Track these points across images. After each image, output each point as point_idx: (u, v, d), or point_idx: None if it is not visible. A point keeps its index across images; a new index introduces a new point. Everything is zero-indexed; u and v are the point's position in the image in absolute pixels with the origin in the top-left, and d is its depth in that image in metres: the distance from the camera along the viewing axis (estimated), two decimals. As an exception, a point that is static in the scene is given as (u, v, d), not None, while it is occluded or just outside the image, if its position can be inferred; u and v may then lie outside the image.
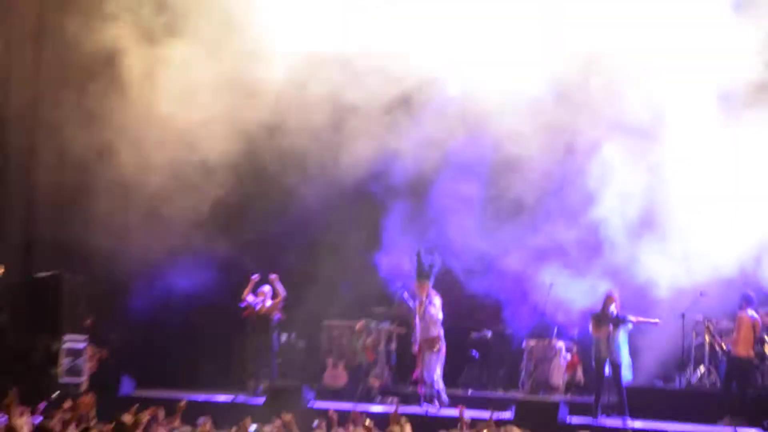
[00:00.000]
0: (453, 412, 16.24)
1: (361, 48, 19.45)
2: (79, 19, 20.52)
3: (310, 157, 20.49)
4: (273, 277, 18.80)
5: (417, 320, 17.74)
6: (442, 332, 17.72)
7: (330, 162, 20.20)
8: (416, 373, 17.83)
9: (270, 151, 20.44)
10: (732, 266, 18.01)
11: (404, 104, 20.14)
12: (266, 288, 18.84)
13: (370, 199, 20.41)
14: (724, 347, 17.97)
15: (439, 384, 17.73)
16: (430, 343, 17.63)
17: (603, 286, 17.85)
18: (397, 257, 18.80)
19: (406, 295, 18.44)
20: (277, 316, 18.89)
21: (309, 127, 20.14)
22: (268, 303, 18.76)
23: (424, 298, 17.68)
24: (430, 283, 17.81)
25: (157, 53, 20.08)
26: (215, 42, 20.01)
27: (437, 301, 17.78)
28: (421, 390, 17.68)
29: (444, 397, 17.72)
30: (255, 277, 18.89)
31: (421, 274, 17.84)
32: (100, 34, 20.33)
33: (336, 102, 19.74)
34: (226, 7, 19.97)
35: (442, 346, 17.69)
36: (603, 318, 16.76)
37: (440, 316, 17.74)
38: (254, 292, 18.86)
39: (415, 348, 17.87)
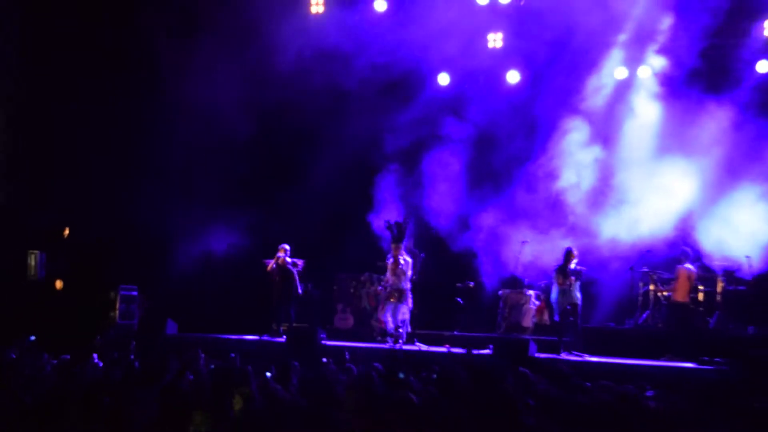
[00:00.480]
0: (414, 347, 17.46)
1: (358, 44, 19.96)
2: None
3: (316, 135, 20.87)
4: (285, 248, 18.69)
5: (389, 274, 17.93)
6: (409, 285, 17.92)
7: (333, 138, 20.61)
8: (383, 315, 17.92)
9: (282, 130, 20.87)
10: (671, 228, 18.54)
11: (394, 90, 20.54)
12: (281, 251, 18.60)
13: (367, 168, 20.55)
14: (665, 294, 18.31)
15: (406, 326, 17.93)
16: (399, 293, 17.87)
17: (564, 244, 18.15)
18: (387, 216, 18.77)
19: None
20: (296, 269, 18.73)
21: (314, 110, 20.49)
22: (288, 258, 18.56)
23: (398, 257, 17.88)
24: (401, 245, 17.89)
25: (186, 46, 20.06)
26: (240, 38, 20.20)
27: (408, 260, 17.93)
28: (386, 328, 17.83)
29: (404, 332, 17.88)
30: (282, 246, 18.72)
31: (394, 238, 17.97)
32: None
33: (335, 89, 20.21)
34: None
35: (409, 296, 17.91)
36: (564, 271, 17.21)
37: (409, 272, 17.88)
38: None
39: (373, 298, 18.46)
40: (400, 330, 17.84)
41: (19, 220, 19.65)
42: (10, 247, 19.44)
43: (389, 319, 17.89)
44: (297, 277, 18.70)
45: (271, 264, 18.59)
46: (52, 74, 20.54)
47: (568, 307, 17.19)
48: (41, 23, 20.51)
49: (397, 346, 17.46)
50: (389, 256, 18.11)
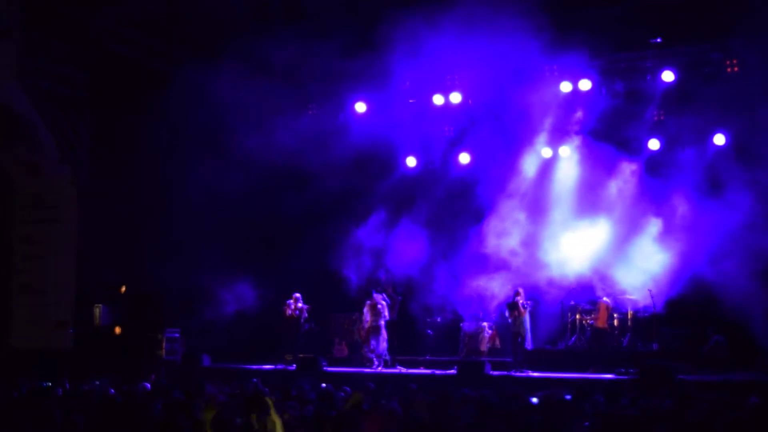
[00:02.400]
0: (395, 370, 17.47)
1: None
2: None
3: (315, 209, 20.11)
4: (297, 296, 18.62)
5: (366, 314, 17.91)
6: (383, 323, 17.81)
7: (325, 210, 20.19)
8: (365, 347, 17.87)
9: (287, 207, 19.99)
10: (591, 269, 18.55)
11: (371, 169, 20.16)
12: (294, 299, 18.62)
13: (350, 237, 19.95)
14: (589, 322, 18.35)
15: (385, 354, 17.84)
16: (375, 329, 17.82)
17: (511, 285, 18.34)
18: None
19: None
20: (304, 315, 18.71)
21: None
22: (299, 304, 18.49)
23: (373, 302, 17.90)
24: (373, 295, 17.95)
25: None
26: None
27: (383, 303, 17.89)
28: (369, 355, 17.74)
29: (389, 361, 17.83)
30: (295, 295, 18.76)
31: (366, 292, 18.31)
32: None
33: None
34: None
35: (384, 331, 17.81)
36: (514, 305, 17.19)
37: (385, 313, 17.81)
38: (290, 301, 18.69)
39: (362, 333, 18.13)
40: (382, 357, 17.83)
41: (88, 280, 19.24)
42: (82, 301, 19.07)
43: (381, 351, 17.94)
44: (302, 319, 18.68)
45: (292, 310, 18.46)
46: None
47: (518, 334, 17.22)
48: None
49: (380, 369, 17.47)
50: (367, 300, 18.14)
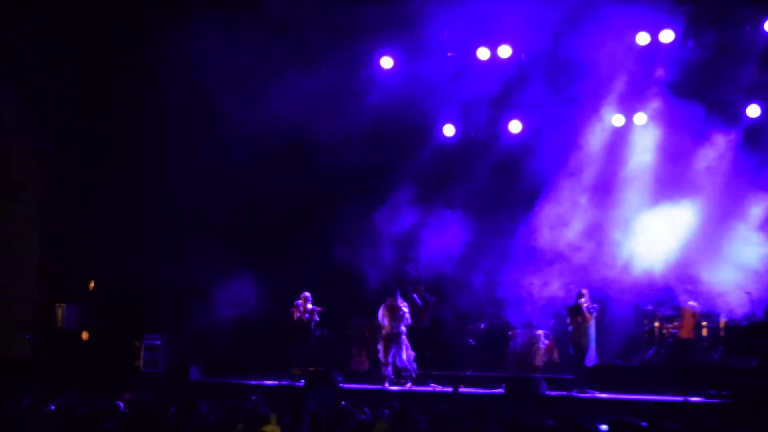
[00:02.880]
0: (427, 387, 17.54)
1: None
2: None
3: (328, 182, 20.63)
4: (306, 296, 18.66)
5: (383, 318, 17.90)
6: (404, 329, 17.86)
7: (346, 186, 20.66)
8: (386, 359, 17.77)
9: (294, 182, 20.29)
10: (673, 266, 18.35)
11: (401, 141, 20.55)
12: (302, 300, 18.62)
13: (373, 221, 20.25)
14: (671, 331, 18.20)
15: (410, 366, 17.83)
16: (395, 338, 17.82)
17: (570, 285, 18.36)
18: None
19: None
20: (315, 319, 18.67)
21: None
22: (309, 306, 18.53)
23: (393, 303, 17.87)
24: (396, 297, 17.94)
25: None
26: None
27: (404, 307, 17.95)
28: (387, 371, 17.73)
29: (413, 374, 17.83)
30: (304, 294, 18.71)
31: (389, 292, 18.16)
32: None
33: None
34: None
35: (406, 340, 17.83)
36: (577, 310, 17.10)
37: (408, 317, 17.90)
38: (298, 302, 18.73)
39: (380, 341, 18.07)
40: (407, 372, 17.92)
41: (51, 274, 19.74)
42: (43, 300, 19.58)
43: (405, 361, 17.89)
44: (313, 324, 18.72)
45: (301, 313, 18.55)
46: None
47: (580, 346, 17.14)
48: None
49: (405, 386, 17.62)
50: (386, 300, 18.13)
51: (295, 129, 19.26)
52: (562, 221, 19.25)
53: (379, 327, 18.50)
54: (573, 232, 19.19)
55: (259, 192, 20.22)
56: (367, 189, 20.65)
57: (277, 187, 20.11)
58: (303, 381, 17.97)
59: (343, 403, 12.27)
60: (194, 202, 19.96)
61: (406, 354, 17.95)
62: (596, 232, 19.05)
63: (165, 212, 20.11)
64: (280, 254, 20.90)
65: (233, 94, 18.98)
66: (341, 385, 17.69)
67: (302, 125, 19.27)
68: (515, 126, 20.33)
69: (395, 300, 18.04)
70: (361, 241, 20.11)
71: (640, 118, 19.37)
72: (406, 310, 18.04)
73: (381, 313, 18.15)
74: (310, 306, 18.69)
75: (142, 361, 18.99)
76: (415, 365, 18.10)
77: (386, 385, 17.67)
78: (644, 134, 19.26)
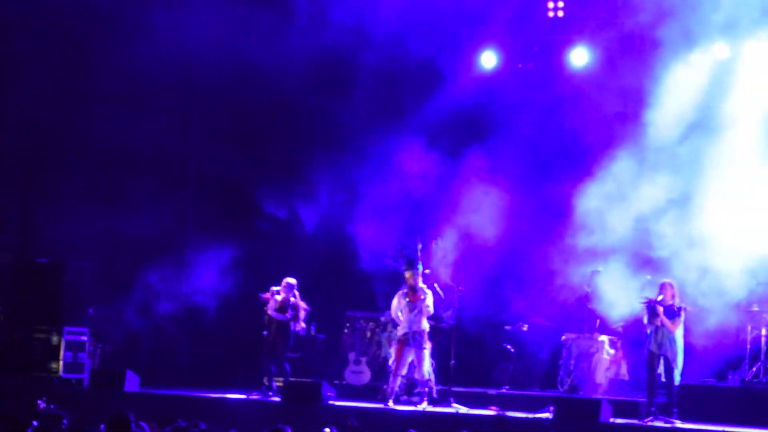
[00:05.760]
0: (449, 408, 17.42)
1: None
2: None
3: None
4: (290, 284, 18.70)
5: (399, 309, 17.60)
6: (428, 328, 17.65)
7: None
8: (398, 368, 17.58)
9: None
10: None
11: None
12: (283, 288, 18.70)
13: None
14: None
15: (432, 378, 17.74)
16: (415, 338, 17.47)
17: (648, 276, 18.02)
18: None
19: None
20: (301, 328, 18.71)
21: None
22: (293, 298, 18.49)
23: (416, 288, 17.53)
24: (418, 272, 17.68)
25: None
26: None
27: (430, 293, 17.73)
28: (394, 385, 17.56)
29: (434, 393, 17.76)
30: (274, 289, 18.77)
31: (408, 263, 17.78)
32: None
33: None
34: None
35: (428, 342, 17.60)
36: (658, 309, 16.51)
37: (431, 310, 17.69)
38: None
39: (393, 343, 17.97)
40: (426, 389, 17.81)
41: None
42: None
43: (428, 374, 17.71)
44: (299, 321, 18.70)
45: (273, 303, 18.47)
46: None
47: (662, 358, 16.66)
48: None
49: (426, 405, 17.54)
50: (402, 287, 17.93)
51: (261, 57, 20.19)
52: (633, 190, 19.17)
53: (387, 325, 18.78)
54: (648, 204, 19.01)
55: (225, 142, 21.32)
56: (370, 138, 20.83)
57: (246, 136, 21.51)
58: (280, 396, 17.94)
59: (349, 422, 12.60)
60: (137, 154, 20.76)
61: (429, 363, 17.73)
62: (680, 206, 18.89)
63: (100, 168, 20.89)
64: (253, 225, 21.72)
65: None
66: (332, 402, 17.61)
67: (269, 53, 20.22)
68: (580, 56, 20.56)
69: (416, 286, 17.65)
70: (363, 209, 20.44)
71: (753, 47, 19.18)
72: (430, 299, 17.68)
73: (395, 305, 17.78)
74: (293, 298, 18.54)
75: (61, 364, 18.91)
76: (435, 382, 18.04)
77: (390, 403, 17.52)
78: (756, 70, 19.05)
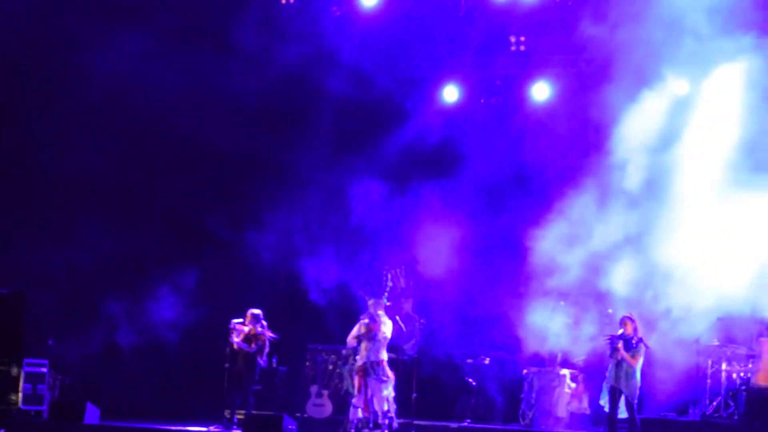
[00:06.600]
0: None
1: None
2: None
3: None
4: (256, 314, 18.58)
5: (362, 344, 17.32)
6: (386, 358, 17.36)
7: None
8: (358, 400, 17.34)
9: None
10: (750, 288, 17.88)
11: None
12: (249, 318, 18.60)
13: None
14: (744, 376, 17.89)
15: (393, 410, 17.41)
16: (375, 367, 17.26)
17: (611, 310, 18.16)
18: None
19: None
20: (263, 361, 18.60)
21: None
22: (259, 329, 18.39)
23: (376, 317, 17.32)
24: (381, 302, 17.50)
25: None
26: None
27: (389, 322, 17.50)
28: (355, 416, 17.34)
29: (395, 424, 17.49)
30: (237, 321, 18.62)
31: (373, 292, 17.78)
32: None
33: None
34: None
35: (388, 373, 17.30)
36: (618, 344, 16.42)
37: (388, 336, 17.43)
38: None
39: (355, 374, 17.67)
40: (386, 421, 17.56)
41: None
42: None
43: (388, 405, 17.42)
44: (264, 352, 18.60)
45: (238, 334, 18.35)
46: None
47: (623, 392, 16.52)
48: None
49: None
50: (363, 316, 17.66)
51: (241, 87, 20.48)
52: (596, 221, 19.08)
53: (349, 358, 18.46)
54: (610, 235, 18.89)
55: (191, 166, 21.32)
56: (335, 169, 20.92)
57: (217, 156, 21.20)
58: (241, 429, 17.89)
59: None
60: (97, 181, 20.83)
61: (390, 395, 17.43)
62: (640, 237, 18.86)
63: (61, 193, 20.80)
64: (215, 255, 21.47)
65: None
66: (293, 435, 17.47)
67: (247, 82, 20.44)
68: (541, 90, 20.63)
69: (376, 315, 17.39)
70: (324, 237, 20.58)
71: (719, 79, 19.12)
72: (389, 328, 17.44)
73: (354, 332, 17.44)
74: (260, 328, 18.41)
75: (20, 396, 18.77)
76: (395, 409, 17.70)
77: None
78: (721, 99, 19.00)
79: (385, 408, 17.25)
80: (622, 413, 16.92)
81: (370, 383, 17.18)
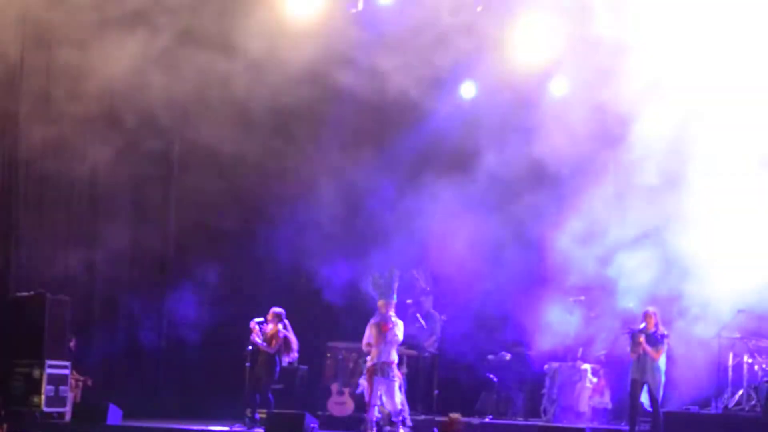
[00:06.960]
0: None
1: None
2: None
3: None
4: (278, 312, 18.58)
5: (370, 338, 17.39)
6: (396, 358, 17.44)
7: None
8: (371, 398, 17.31)
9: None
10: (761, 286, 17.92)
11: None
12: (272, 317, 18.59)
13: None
14: (765, 368, 17.84)
15: (405, 408, 17.64)
16: (384, 368, 17.31)
17: (633, 305, 18.23)
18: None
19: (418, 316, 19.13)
20: (294, 358, 18.71)
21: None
22: (280, 328, 18.35)
23: (387, 317, 17.32)
24: (391, 302, 17.42)
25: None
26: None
27: (400, 323, 17.49)
28: (371, 416, 17.33)
29: (409, 422, 17.65)
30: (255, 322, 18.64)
31: (382, 292, 17.47)
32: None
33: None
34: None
35: (398, 372, 17.51)
36: (639, 338, 16.61)
37: (400, 338, 17.47)
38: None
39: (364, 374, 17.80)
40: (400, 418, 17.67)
41: None
42: None
43: (400, 405, 17.59)
44: (292, 351, 18.59)
45: (259, 334, 18.33)
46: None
47: (645, 385, 16.65)
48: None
49: None
50: (374, 317, 17.67)
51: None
52: (611, 215, 19.13)
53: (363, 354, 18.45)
54: (628, 230, 18.97)
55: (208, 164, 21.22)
56: (347, 164, 20.90)
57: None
58: (263, 428, 17.77)
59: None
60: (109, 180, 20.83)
61: (400, 393, 17.63)
62: (661, 231, 18.87)
63: (80, 194, 20.65)
64: (235, 254, 21.57)
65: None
66: (315, 432, 17.69)
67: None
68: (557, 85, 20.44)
69: (387, 316, 17.37)
70: (340, 236, 20.65)
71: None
72: (400, 329, 17.43)
73: (367, 334, 17.54)
74: (281, 327, 18.35)
75: (43, 398, 18.54)
76: (407, 408, 17.95)
77: None
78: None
79: (399, 407, 17.39)
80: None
81: (381, 383, 17.26)
